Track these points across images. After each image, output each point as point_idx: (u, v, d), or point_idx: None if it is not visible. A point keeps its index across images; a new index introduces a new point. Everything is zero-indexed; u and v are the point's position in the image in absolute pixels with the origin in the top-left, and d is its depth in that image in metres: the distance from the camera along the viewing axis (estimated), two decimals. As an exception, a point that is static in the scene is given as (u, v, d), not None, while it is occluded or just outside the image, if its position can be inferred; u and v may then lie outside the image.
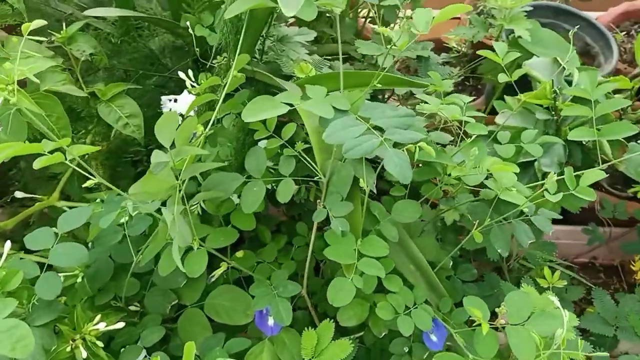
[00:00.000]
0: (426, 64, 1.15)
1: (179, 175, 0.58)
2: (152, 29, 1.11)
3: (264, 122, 0.72)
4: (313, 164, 0.69)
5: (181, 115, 0.88)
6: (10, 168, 1.19)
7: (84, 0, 1.04)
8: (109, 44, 0.98)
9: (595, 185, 0.71)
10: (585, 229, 1.16)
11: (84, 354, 0.66)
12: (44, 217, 1.12)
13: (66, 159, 0.55)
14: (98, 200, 0.90)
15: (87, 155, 0.95)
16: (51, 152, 0.54)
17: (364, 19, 1.40)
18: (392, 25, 1.28)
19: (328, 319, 0.74)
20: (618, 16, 1.68)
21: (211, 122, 0.63)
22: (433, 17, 0.58)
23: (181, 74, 0.87)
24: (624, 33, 1.63)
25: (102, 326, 0.67)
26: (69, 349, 0.67)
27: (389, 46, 1.10)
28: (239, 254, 0.77)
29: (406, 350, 0.78)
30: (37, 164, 0.53)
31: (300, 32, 0.97)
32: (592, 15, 1.50)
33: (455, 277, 0.90)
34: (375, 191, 0.70)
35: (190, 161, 0.59)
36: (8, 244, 0.70)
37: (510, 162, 0.73)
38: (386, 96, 1.23)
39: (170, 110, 0.93)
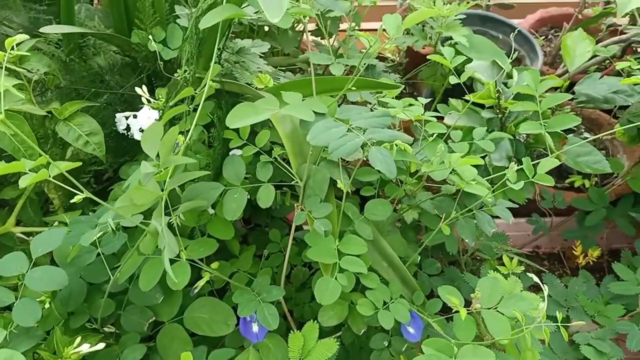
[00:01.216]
0: (372, 71, 1.19)
1: (163, 186, 0.58)
2: (98, 47, 1.09)
3: (237, 131, 0.73)
4: (289, 168, 0.71)
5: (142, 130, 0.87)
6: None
7: (19, 23, 1.01)
8: (57, 62, 0.95)
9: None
10: (530, 220, 1.24)
11: (69, 379, 0.63)
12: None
13: (50, 176, 0.53)
14: (56, 223, 0.87)
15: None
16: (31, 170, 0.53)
17: (301, 32, 1.44)
18: (334, 36, 1.33)
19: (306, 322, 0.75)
20: (535, 22, 1.82)
21: (190, 132, 0.63)
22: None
23: (138, 90, 0.86)
24: (542, 37, 1.76)
25: (85, 348, 0.65)
26: (50, 375, 0.64)
27: (337, 55, 1.14)
28: (214, 265, 0.77)
29: (386, 344, 0.80)
30: (23, 182, 0.51)
31: (254, 44, 0.99)
32: (514, 22, 1.62)
33: (422, 271, 0.94)
34: (350, 191, 0.73)
35: (174, 171, 0.59)
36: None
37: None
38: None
39: (127, 126, 0.91)
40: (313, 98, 0.62)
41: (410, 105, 0.81)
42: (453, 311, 0.73)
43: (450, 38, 1.29)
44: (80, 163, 0.58)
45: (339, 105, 1.07)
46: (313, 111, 0.61)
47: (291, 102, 0.62)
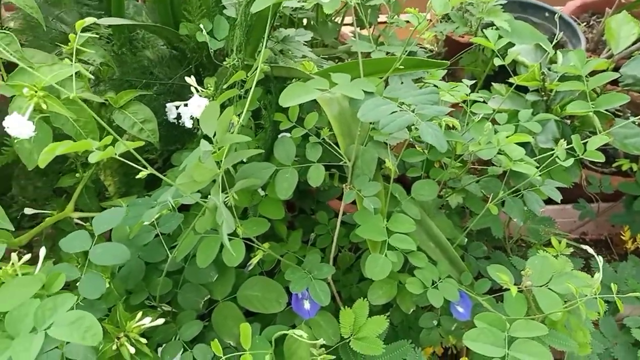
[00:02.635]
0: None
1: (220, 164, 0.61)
2: (146, 41, 1.13)
3: (286, 114, 0.75)
4: (337, 149, 0.73)
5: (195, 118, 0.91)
6: (6, 191, 1.18)
7: (71, 20, 1.06)
8: (110, 55, 0.99)
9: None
10: (576, 205, 1.23)
11: (132, 350, 0.67)
12: (50, 234, 1.11)
13: (116, 154, 0.57)
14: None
15: (101, 164, 0.95)
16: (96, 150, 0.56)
17: (340, 24, 1.45)
18: (373, 26, 1.34)
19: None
20: (576, 9, 1.79)
21: (243, 113, 0.66)
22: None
23: (187, 80, 0.89)
24: (584, 24, 1.73)
25: (147, 321, 0.68)
26: (114, 347, 0.67)
27: (377, 43, 1.15)
28: (267, 245, 0.79)
29: (435, 324, 0.81)
30: (92, 159, 0.54)
31: (298, 33, 1.01)
32: (555, 8, 1.60)
33: (468, 254, 0.94)
34: (398, 172, 0.74)
35: (229, 150, 0.61)
36: (43, 250, 0.71)
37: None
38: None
39: (177, 115, 0.95)
40: (361, 78, 0.64)
41: (456, 87, 0.82)
42: (503, 289, 0.73)
43: (491, 25, 1.28)
44: (143, 143, 0.61)
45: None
46: (362, 90, 0.62)
47: (340, 83, 0.64)
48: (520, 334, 0.63)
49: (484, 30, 1.32)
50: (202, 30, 0.96)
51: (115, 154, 0.57)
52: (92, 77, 0.97)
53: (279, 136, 0.74)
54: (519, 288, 0.71)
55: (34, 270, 0.69)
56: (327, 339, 0.75)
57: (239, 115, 0.66)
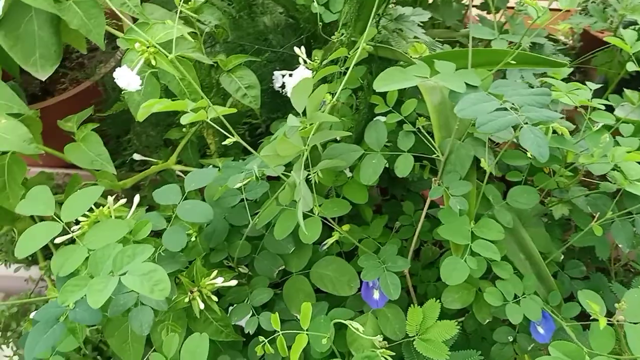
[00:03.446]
0: (539, 51, 1.11)
1: (307, 141, 0.60)
2: (265, 7, 1.15)
3: (384, 97, 0.72)
4: (432, 141, 0.69)
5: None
6: (123, 134, 1.27)
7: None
8: (228, 18, 1.02)
9: None
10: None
11: (202, 305, 0.70)
12: (154, 182, 1.19)
13: (207, 118, 0.58)
14: (210, 166, 0.94)
15: (204, 123, 0.99)
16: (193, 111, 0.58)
17: (466, 6, 1.37)
18: (501, 12, 1.25)
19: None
20: None
21: (337, 93, 0.64)
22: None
23: (296, 50, 0.89)
24: None
25: (219, 281, 0.71)
26: (187, 299, 0.71)
27: (501, 30, 1.07)
28: (346, 227, 0.78)
29: (510, 340, 0.76)
30: (184, 120, 0.56)
31: (415, 12, 0.96)
32: None
33: (563, 272, 0.87)
34: (495, 176, 0.69)
35: (318, 128, 0.60)
36: (137, 197, 0.75)
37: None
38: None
39: (283, 85, 0.95)
40: (467, 70, 0.60)
41: (577, 89, 0.74)
42: (591, 319, 0.67)
43: (635, 23, 1.14)
44: (235, 110, 0.62)
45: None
46: (465, 83, 0.58)
47: (443, 72, 0.60)
48: (600, 373, 0.57)
49: (624, 28, 1.19)
50: (316, 1, 0.95)
51: (207, 118, 0.58)
52: (206, 38, 1.00)
53: (374, 119, 0.71)
54: (609, 321, 0.64)
55: (127, 214, 0.74)
56: (392, 333, 0.73)
57: (333, 94, 0.65)
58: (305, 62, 0.88)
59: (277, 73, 0.96)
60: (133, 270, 0.54)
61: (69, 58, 1.53)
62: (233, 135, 0.61)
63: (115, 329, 0.74)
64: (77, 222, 0.71)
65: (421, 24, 0.96)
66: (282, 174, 0.62)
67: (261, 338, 0.64)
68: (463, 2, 1.36)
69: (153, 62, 0.69)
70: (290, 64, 1.09)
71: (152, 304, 0.66)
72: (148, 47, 0.68)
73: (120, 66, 0.64)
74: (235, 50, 1.02)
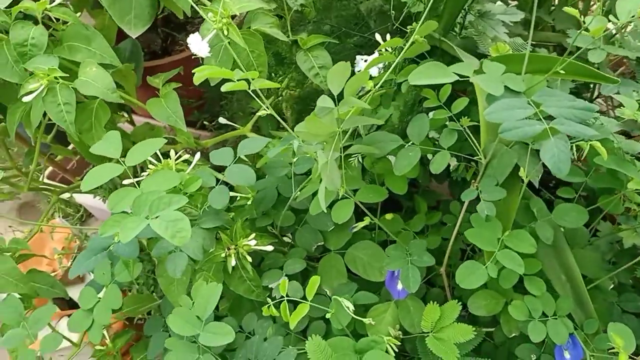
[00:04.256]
0: (646, 67, 1.01)
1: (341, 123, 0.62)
2: (365, -9, 1.16)
3: (437, 91, 0.72)
4: (477, 143, 0.68)
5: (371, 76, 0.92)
6: (223, 98, 1.37)
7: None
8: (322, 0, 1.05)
9: None
10: None
11: (234, 263, 0.75)
12: (237, 144, 1.27)
13: (249, 89, 0.62)
14: (278, 137, 0.99)
15: (280, 98, 1.04)
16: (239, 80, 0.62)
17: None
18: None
19: (460, 303, 0.73)
20: None
21: (381, 81, 0.65)
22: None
23: (377, 37, 0.90)
24: None
25: (252, 243, 0.76)
26: (223, 255, 0.77)
27: (609, 41, 1.00)
28: (388, 216, 0.79)
29: (533, 358, 0.73)
30: (224, 88, 0.61)
31: (507, 12, 0.93)
32: None
33: (617, 304, 0.81)
34: (537, 186, 0.67)
35: (354, 113, 0.62)
36: (198, 155, 0.82)
37: None
38: (594, 96, 1.12)
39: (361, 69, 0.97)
40: (511, 74, 0.58)
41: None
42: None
43: None
44: (278, 85, 0.65)
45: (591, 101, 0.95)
46: (506, 87, 0.57)
47: (487, 73, 0.59)
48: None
49: None
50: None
51: (249, 89, 0.62)
52: (300, 17, 1.04)
53: (419, 114, 0.71)
54: (631, 357, 0.60)
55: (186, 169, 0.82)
56: (409, 326, 0.74)
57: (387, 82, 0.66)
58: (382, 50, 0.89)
59: (359, 57, 0.98)
60: (163, 216, 0.61)
61: (192, 22, 1.67)
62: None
63: (164, 270, 0.82)
64: (143, 170, 0.80)
65: (511, 24, 0.92)
66: (312, 152, 0.64)
67: (269, 300, 0.68)
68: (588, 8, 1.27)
69: (225, 33, 0.75)
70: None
71: (189, 252, 0.73)
72: (223, 18, 0.74)
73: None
74: (322, 31, 1.05)
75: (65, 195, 1.36)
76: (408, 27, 0.87)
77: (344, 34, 1.08)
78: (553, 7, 1.25)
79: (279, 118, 0.65)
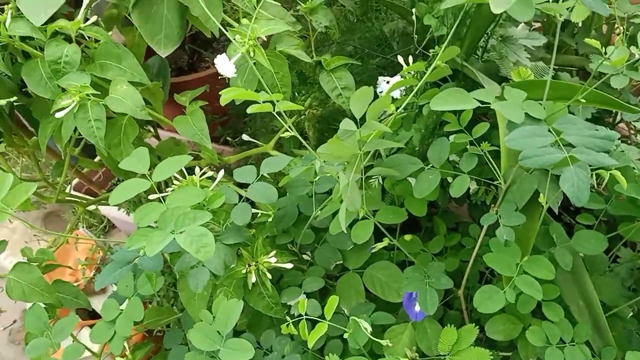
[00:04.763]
0: (673, 95, 1.01)
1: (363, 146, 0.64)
2: (389, 14, 1.18)
3: (458, 115, 0.73)
4: (497, 168, 0.69)
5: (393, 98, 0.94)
6: (247, 115, 1.39)
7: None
8: (346, 20, 1.07)
9: None
10: None
11: (254, 279, 0.77)
12: (259, 161, 1.29)
13: (274, 110, 0.64)
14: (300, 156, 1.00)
15: (303, 117, 1.06)
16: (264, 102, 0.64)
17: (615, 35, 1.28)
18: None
19: (477, 327, 0.73)
20: None
21: (403, 105, 0.67)
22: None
23: (400, 59, 0.91)
24: None
25: (273, 260, 0.77)
26: (244, 271, 0.78)
27: (633, 67, 1.00)
28: (407, 237, 0.80)
29: (550, 385, 0.73)
30: (250, 110, 0.63)
31: (529, 36, 0.94)
32: None
33: (635, 332, 0.80)
34: (557, 212, 0.67)
35: (375, 136, 0.63)
36: (222, 172, 0.84)
37: None
38: (616, 121, 1.12)
39: (382, 91, 0.99)
40: (532, 101, 0.59)
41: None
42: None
43: None
44: (301, 107, 0.67)
45: (612, 127, 0.96)
46: (527, 114, 0.58)
47: (508, 99, 0.60)
48: None
49: None
50: (431, 13, 0.96)
51: (273, 111, 0.64)
52: (324, 37, 1.06)
53: (440, 137, 0.72)
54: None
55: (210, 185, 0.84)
56: (427, 348, 0.74)
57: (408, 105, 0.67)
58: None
59: (381, 78, 0.99)
60: (189, 231, 0.63)
61: (218, 39, 1.70)
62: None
63: (186, 285, 0.84)
64: (167, 185, 0.82)
65: (533, 48, 0.93)
66: (333, 172, 0.66)
67: (288, 318, 0.69)
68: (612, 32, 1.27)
69: (252, 54, 0.77)
70: (398, 71, 1.12)
71: (211, 267, 0.74)
72: (249, 40, 0.76)
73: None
74: (345, 52, 1.07)
75: (91, 207, 1.39)
76: (430, 50, 0.89)
77: (367, 55, 1.10)
78: (576, 31, 1.25)
79: (301, 139, 0.67)
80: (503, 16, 0.89)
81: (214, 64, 0.74)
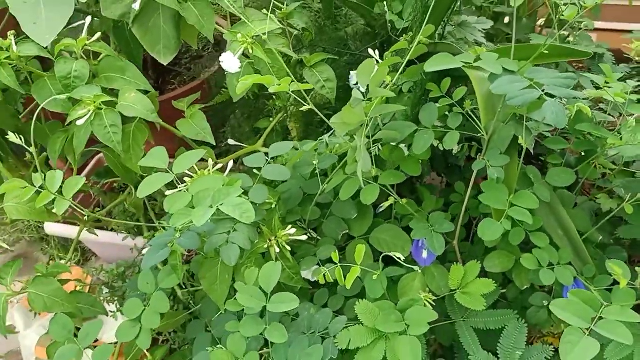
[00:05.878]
0: (600, 61, 1.19)
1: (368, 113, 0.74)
2: (349, 18, 1.31)
3: (439, 85, 0.85)
4: (479, 123, 0.81)
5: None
6: (224, 126, 1.47)
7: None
8: (316, 23, 1.19)
9: None
10: None
11: (277, 250, 0.85)
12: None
13: (289, 91, 0.73)
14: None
15: (287, 114, 1.16)
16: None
17: (540, 27, 1.46)
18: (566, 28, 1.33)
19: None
20: None
21: (396, 77, 0.78)
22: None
23: (370, 51, 1.03)
24: None
25: (292, 232, 0.86)
26: (265, 245, 0.86)
27: (563, 41, 1.16)
28: (404, 200, 0.91)
29: (545, 304, 0.85)
30: (272, 89, 0.72)
31: (478, 21, 1.08)
32: None
33: (605, 256, 0.94)
34: (532, 152, 0.80)
35: (378, 103, 0.74)
36: (231, 162, 0.92)
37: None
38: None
39: (356, 82, 1.10)
40: (506, 58, 0.71)
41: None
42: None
43: None
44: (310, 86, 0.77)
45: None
46: (503, 67, 0.70)
47: (485, 60, 0.72)
48: (611, 317, 0.65)
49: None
50: (392, 10, 1.09)
51: (289, 90, 0.73)
52: (295, 42, 1.17)
53: (428, 103, 0.84)
54: (631, 284, 0.72)
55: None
56: (437, 289, 0.84)
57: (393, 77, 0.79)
58: (377, 62, 1.02)
59: (352, 72, 1.11)
60: (228, 202, 0.71)
61: (179, 63, 1.78)
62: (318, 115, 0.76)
63: (207, 272, 0.90)
64: (182, 182, 0.89)
65: (482, 31, 1.08)
66: (344, 140, 0.76)
67: (322, 268, 0.77)
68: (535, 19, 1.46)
69: (250, 51, 0.86)
70: (366, 66, 1.25)
71: (239, 243, 0.82)
72: (247, 39, 0.86)
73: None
74: (316, 51, 1.18)
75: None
76: (393, 42, 1.01)
77: (337, 54, 1.21)
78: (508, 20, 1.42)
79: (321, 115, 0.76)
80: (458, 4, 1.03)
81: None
